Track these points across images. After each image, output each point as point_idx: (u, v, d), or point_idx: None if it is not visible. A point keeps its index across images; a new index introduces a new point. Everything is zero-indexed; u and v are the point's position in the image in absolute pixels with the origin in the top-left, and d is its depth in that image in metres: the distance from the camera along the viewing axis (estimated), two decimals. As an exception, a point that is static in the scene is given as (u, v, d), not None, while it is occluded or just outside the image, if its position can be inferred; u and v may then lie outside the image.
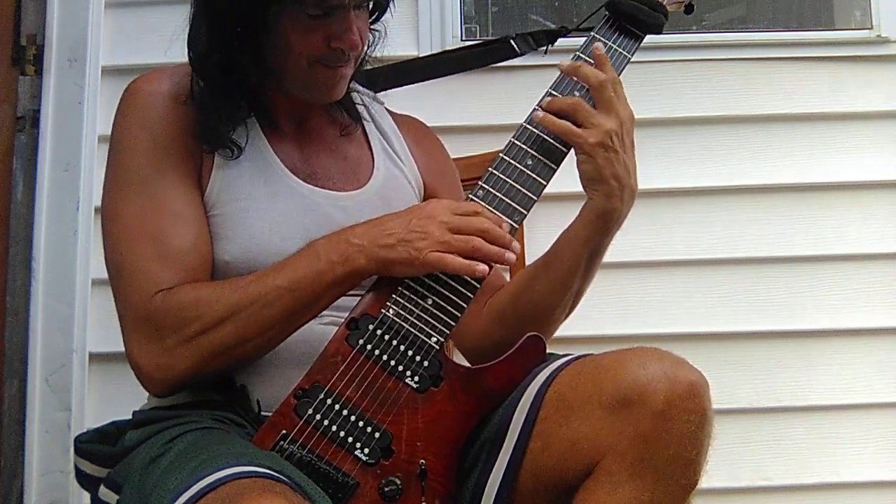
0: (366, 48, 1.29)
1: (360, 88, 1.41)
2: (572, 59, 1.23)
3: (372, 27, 1.30)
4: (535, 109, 1.21)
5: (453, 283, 1.14)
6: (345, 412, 1.10)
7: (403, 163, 1.39)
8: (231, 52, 1.22)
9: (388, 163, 1.38)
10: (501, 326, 1.30)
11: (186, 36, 1.26)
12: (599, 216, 1.21)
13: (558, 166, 1.20)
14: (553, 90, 1.22)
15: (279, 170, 1.27)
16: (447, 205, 1.17)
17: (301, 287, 1.13)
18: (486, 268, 1.13)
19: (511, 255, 1.15)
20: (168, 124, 1.23)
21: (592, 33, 1.25)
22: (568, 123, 1.19)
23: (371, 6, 1.26)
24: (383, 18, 1.31)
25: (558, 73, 1.23)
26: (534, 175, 1.19)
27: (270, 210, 1.24)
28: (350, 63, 1.25)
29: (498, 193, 1.18)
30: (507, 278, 1.44)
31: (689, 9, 1.33)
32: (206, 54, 1.23)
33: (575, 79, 1.21)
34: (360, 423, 1.09)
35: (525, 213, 1.18)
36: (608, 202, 1.20)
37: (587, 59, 1.22)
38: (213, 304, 1.13)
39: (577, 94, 1.20)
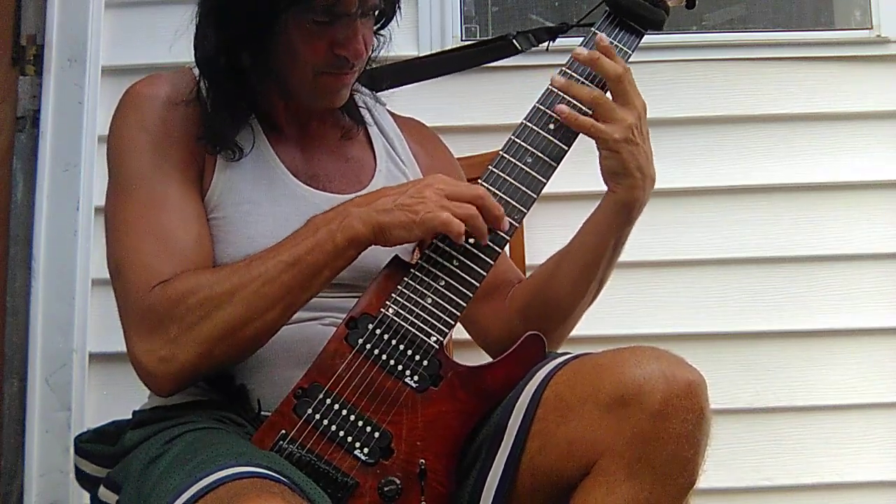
0: (369, 55, 1.27)
1: (363, 89, 1.40)
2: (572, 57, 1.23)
3: (377, 33, 1.30)
4: (546, 99, 1.21)
5: (453, 283, 1.14)
6: (344, 412, 1.10)
7: (405, 164, 1.39)
8: (238, 56, 1.22)
9: (389, 164, 1.37)
10: (525, 320, 1.30)
11: (192, 37, 1.25)
12: (623, 207, 1.22)
13: (559, 164, 1.20)
14: (553, 87, 1.22)
15: (281, 172, 1.27)
16: (445, 177, 1.16)
17: (302, 260, 1.11)
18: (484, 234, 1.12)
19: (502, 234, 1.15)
20: (168, 127, 1.23)
21: (593, 29, 1.25)
22: (592, 120, 1.19)
23: (377, 14, 1.25)
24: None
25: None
26: (534, 173, 1.19)
27: (271, 213, 1.23)
28: (354, 72, 1.25)
29: (498, 191, 1.18)
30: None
31: (690, 4, 1.33)
32: (213, 57, 1.23)
33: (576, 75, 1.21)
34: (360, 423, 1.09)
35: (525, 211, 1.18)
36: (631, 193, 1.21)
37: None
38: (214, 286, 1.11)
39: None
